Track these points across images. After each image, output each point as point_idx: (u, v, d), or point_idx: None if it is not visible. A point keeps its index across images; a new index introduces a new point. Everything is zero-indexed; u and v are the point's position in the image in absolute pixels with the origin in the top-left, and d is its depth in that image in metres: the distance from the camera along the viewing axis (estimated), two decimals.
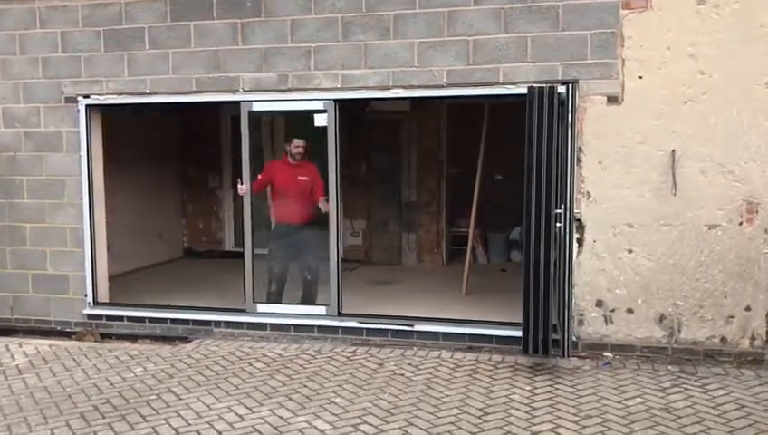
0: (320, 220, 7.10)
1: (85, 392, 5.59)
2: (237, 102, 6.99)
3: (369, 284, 8.94)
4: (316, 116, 6.91)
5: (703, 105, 5.92)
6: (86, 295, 7.45)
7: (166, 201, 10.79)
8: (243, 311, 7.14)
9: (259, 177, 7.20)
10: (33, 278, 7.58)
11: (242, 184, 7.04)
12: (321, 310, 7.00)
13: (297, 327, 6.96)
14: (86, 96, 7.27)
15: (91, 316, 7.45)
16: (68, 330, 7.46)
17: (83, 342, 7.16)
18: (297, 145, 7.30)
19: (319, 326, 6.91)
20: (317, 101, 6.76)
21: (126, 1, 7.07)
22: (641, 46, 5.99)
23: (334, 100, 6.69)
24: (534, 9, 6.17)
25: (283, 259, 7.40)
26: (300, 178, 7.28)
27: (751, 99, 5.83)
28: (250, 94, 6.88)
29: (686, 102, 5.95)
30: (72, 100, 7.30)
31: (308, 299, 7.35)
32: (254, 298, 7.11)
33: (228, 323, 7.14)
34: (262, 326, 7.04)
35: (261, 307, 7.12)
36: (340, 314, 6.92)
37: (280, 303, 7.25)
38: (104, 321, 7.44)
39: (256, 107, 6.98)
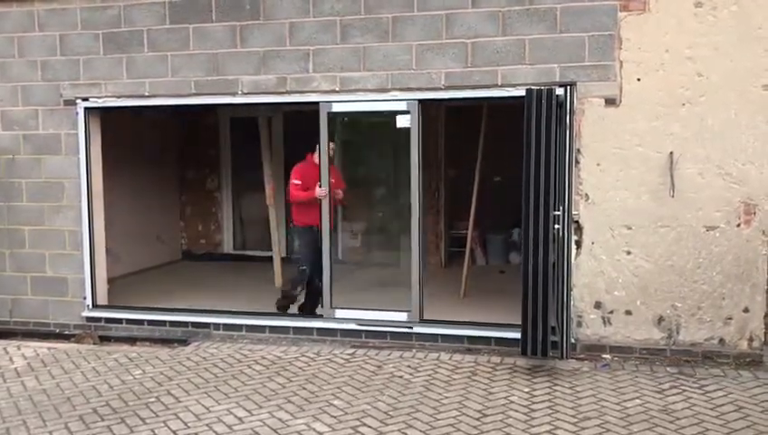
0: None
1: (84, 395, 5.59)
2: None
3: (368, 285, 8.94)
4: (398, 117, 6.65)
5: (700, 107, 5.94)
6: (85, 298, 7.45)
7: (164, 203, 10.78)
8: (320, 316, 6.99)
9: (297, 182, 7.14)
10: (31, 281, 7.58)
11: (321, 187, 6.90)
12: (403, 316, 6.75)
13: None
14: (85, 99, 7.27)
15: (89, 319, 7.45)
16: (67, 332, 7.46)
17: (82, 344, 7.16)
18: (330, 148, 7.12)
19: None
20: (400, 102, 6.58)
21: (125, 4, 7.09)
22: (639, 48, 6.01)
23: (418, 100, 6.49)
24: (532, 11, 6.18)
25: (312, 264, 7.24)
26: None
27: (748, 101, 5.85)
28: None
29: (683, 104, 5.97)
30: (70, 102, 7.31)
31: (314, 304, 7.28)
32: (331, 303, 6.93)
33: (228, 326, 7.15)
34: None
35: (339, 313, 6.91)
36: (422, 320, 6.69)
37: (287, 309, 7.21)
38: (103, 323, 7.44)
39: (336, 108, 6.78)
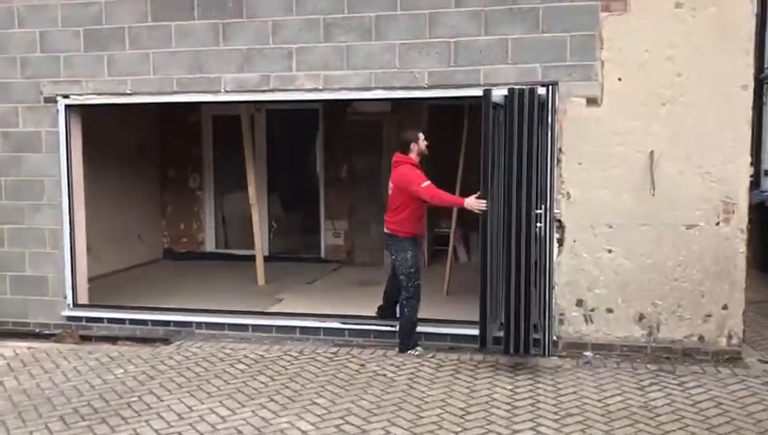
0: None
1: (65, 395, 5.54)
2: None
3: (352, 284, 8.95)
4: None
5: (680, 107, 6.00)
6: (65, 297, 7.39)
7: (145, 202, 10.71)
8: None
9: (431, 185, 6.18)
10: (11, 280, 7.50)
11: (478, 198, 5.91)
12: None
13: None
14: (65, 96, 7.21)
15: (70, 318, 7.39)
16: (47, 332, 7.39)
17: (63, 344, 7.09)
18: (422, 140, 6.37)
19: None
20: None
21: (106, 1, 7.03)
22: (620, 48, 6.06)
23: (504, 96, 5.90)
24: (515, 11, 6.21)
25: (421, 276, 6.55)
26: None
27: (727, 100, 5.92)
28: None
29: (663, 104, 6.03)
30: (51, 100, 7.24)
31: (393, 308, 6.82)
32: None
33: (210, 325, 7.12)
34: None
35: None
36: (503, 323, 6.07)
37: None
38: (84, 323, 7.38)
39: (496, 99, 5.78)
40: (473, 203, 5.92)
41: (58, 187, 7.29)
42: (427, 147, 6.45)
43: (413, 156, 6.38)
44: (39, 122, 7.30)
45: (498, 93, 5.92)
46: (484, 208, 5.81)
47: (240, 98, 6.97)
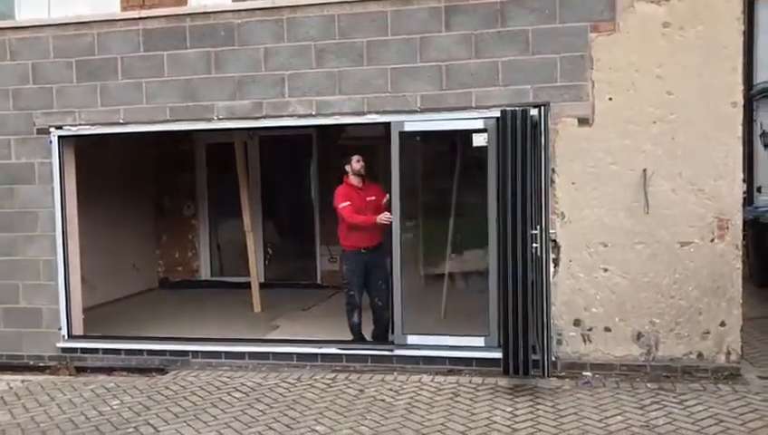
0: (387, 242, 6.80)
1: (60, 428, 5.48)
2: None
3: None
4: (474, 136, 6.40)
5: (671, 125, 6.04)
6: (60, 329, 7.32)
7: (140, 231, 10.69)
8: (390, 343, 6.69)
9: (347, 203, 6.87)
10: (4, 312, 7.44)
11: (390, 215, 6.61)
12: (480, 341, 6.47)
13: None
14: (58, 127, 7.21)
15: (65, 350, 7.32)
16: (41, 364, 7.32)
17: (58, 376, 7.02)
18: (359, 159, 7.01)
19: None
20: (476, 120, 6.35)
21: (98, 32, 7.07)
22: (610, 68, 6.11)
23: (496, 118, 6.13)
24: (504, 34, 6.27)
25: (360, 287, 7.06)
26: (368, 199, 7.01)
27: (718, 118, 5.95)
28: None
29: (655, 122, 6.06)
30: (44, 131, 7.24)
31: (383, 326, 7.01)
32: (403, 329, 6.59)
33: (207, 354, 7.07)
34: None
35: (412, 339, 6.59)
36: (501, 344, 6.12)
37: (362, 335, 7.06)
38: (79, 354, 7.31)
39: (408, 127, 6.49)
40: (382, 217, 6.66)
41: (52, 218, 7.27)
42: (363, 165, 7.05)
43: (350, 176, 7.07)
44: (32, 154, 7.30)
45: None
46: (388, 222, 6.59)
47: (233, 125, 6.99)
